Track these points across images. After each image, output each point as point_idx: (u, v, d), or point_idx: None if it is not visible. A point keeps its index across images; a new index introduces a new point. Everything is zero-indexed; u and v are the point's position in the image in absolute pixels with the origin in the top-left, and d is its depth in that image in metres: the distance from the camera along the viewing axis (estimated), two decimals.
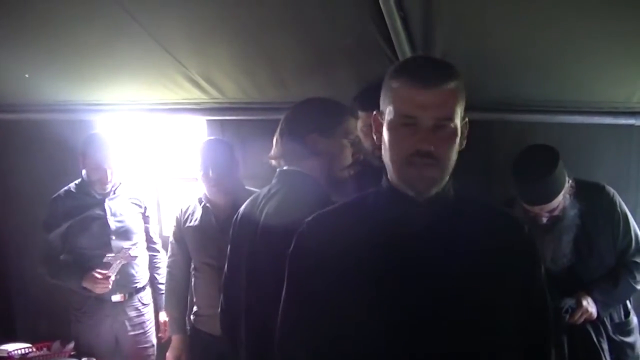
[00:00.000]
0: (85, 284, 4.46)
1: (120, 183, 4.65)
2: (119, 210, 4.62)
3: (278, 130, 2.95)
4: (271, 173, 2.95)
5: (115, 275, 4.46)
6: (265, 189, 2.94)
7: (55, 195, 4.66)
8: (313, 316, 2.02)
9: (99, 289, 4.45)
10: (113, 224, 4.57)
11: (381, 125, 2.00)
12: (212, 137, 4.25)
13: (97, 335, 4.60)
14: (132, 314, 4.66)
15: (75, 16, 3.62)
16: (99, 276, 4.41)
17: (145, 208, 4.75)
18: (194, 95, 4.26)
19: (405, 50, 3.16)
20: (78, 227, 4.55)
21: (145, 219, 4.77)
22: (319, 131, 2.83)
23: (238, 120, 4.45)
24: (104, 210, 4.57)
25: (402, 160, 1.92)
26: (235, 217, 3.07)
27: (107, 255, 4.44)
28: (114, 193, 4.63)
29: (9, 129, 5.44)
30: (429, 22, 3.03)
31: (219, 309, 3.17)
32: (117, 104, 4.75)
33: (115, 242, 4.55)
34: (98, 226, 4.56)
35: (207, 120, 4.66)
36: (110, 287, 4.46)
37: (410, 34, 3.10)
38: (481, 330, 1.95)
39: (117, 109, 4.80)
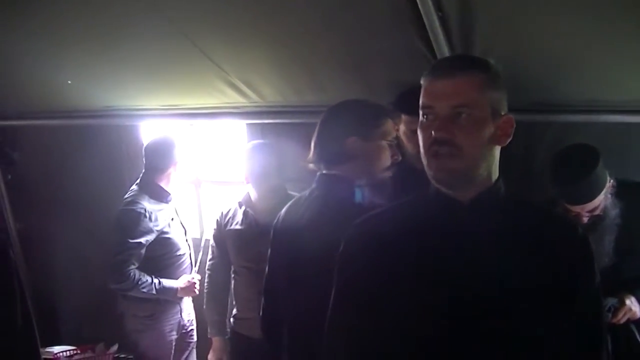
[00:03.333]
0: (182, 287, 4.52)
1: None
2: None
3: (315, 133, 2.93)
4: (311, 177, 2.95)
5: None
6: (305, 193, 2.93)
7: (133, 209, 4.50)
8: (362, 320, 2.00)
9: (193, 293, 4.57)
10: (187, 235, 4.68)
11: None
12: (255, 141, 4.24)
13: (164, 337, 4.58)
14: (188, 309, 4.71)
15: (118, 24, 3.69)
16: (191, 281, 4.52)
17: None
18: (234, 99, 4.26)
19: (444, 52, 3.12)
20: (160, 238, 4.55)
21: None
22: (358, 134, 2.81)
23: (277, 124, 4.43)
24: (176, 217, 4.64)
25: (426, 151, 1.91)
26: (275, 220, 3.06)
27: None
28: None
29: (54, 134, 5.51)
30: (468, 23, 2.99)
31: (260, 313, 3.15)
32: (160, 109, 4.77)
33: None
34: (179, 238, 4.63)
35: (247, 124, 4.67)
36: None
37: (449, 35, 3.06)
38: (531, 335, 1.90)
39: (160, 114, 4.83)
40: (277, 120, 4.39)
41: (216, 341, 4.35)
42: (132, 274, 4.29)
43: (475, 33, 3.05)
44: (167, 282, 4.42)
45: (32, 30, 3.95)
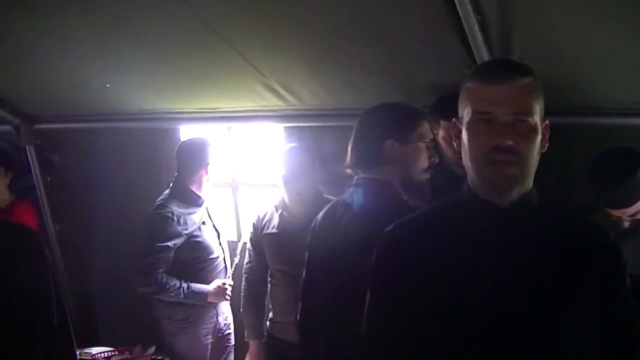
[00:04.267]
0: (212, 290, 4.55)
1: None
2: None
3: (352, 137, 2.95)
4: (347, 180, 2.96)
5: None
6: (343, 197, 2.95)
7: (162, 212, 4.55)
8: (398, 325, 2.01)
9: (224, 298, 4.60)
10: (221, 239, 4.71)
11: (460, 131, 1.98)
12: (291, 144, 4.26)
13: (200, 340, 4.60)
14: (225, 312, 4.72)
15: (156, 28, 3.73)
16: (222, 285, 4.55)
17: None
18: (272, 102, 4.28)
19: (482, 54, 3.11)
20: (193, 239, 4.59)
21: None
22: (394, 137, 2.82)
23: (315, 127, 4.46)
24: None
25: (482, 158, 1.89)
26: (312, 224, 3.08)
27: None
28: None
29: (93, 137, 5.57)
30: (507, 26, 2.98)
31: (297, 316, 3.18)
32: (198, 112, 4.82)
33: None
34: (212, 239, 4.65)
35: (285, 127, 4.69)
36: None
37: (488, 38, 3.06)
38: (562, 342, 1.91)
39: (198, 117, 4.87)
40: (313, 124, 4.42)
41: (253, 345, 4.36)
42: (159, 277, 4.35)
43: (513, 36, 3.04)
44: (196, 287, 4.45)
45: (71, 34, 4.01)
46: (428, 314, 1.94)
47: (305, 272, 3.08)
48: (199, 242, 4.52)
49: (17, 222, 4.12)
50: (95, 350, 4.94)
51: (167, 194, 4.55)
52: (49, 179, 5.85)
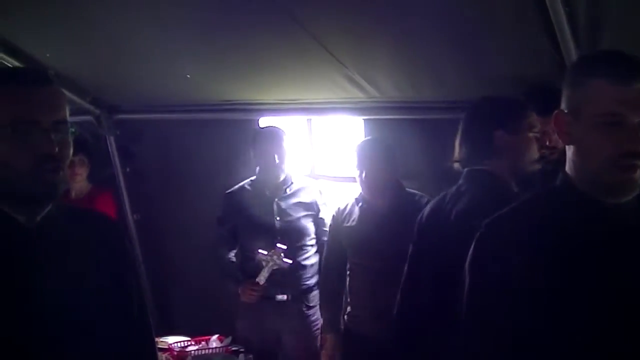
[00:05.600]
0: (240, 291, 4.60)
1: (291, 183, 4.67)
2: (287, 210, 4.63)
3: (460, 130, 2.97)
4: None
5: (277, 276, 4.50)
6: (452, 190, 2.96)
7: (229, 190, 4.77)
8: (498, 317, 1.97)
9: (246, 298, 4.56)
10: (278, 224, 4.60)
11: (568, 124, 1.93)
12: (369, 137, 4.28)
13: (260, 332, 4.65)
14: (296, 314, 4.64)
15: (236, 19, 3.77)
16: (250, 287, 4.53)
17: (319, 211, 4.71)
18: (353, 94, 4.30)
19: (569, 48, 3.08)
20: (245, 225, 4.66)
21: (318, 221, 4.70)
22: (504, 128, 2.84)
23: (395, 120, 4.46)
24: (272, 209, 4.63)
25: (609, 162, 1.84)
26: (419, 218, 3.10)
27: (259, 251, 4.49)
28: (285, 193, 4.65)
29: (172, 127, 5.67)
30: (595, 18, 2.97)
31: (396, 311, 3.20)
32: (278, 103, 4.87)
33: (280, 243, 4.54)
34: (264, 226, 4.61)
35: (364, 119, 4.71)
36: (255, 298, 4.54)
37: (576, 31, 3.03)
38: None
39: (278, 108, 4.92)
40: (395, 116, 4.42)
41: (329, 338, 4.39)
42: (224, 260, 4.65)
43: (602, 29, 3.03)
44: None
45: (153, 25, 4.11)
46: (529, 312, 1.90)
47: (408, 267, 3.09)
48: (256, 231, 4.67)
49: (99, 210, 4.22)
50: (171, 339, 4.98)
51: (246, 182, 4.76)
52: (128, 169, 5.97)
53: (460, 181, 2.92)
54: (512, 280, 1.92)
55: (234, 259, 4.73)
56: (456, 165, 2.98)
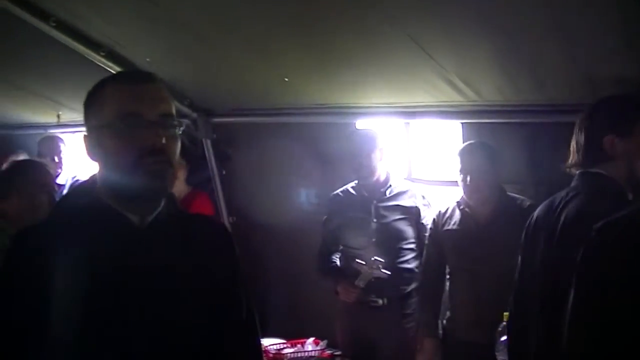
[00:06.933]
0: (338, 289, 4.69)
1: (390, 185, 4.75)
2: (385, 213, 4.70)
3: (574, 134, 2.96)
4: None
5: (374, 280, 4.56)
6: (562, 193, 2.95)
7: (334, 192, 4.94)
8: (604, 330, 1.95)
9: (344, 297, 4.66)
10: (375, 226, 4.68)
11: None
12: (473, 141, 4.28)
13: (355, 336, 4.74)
14: (392, 320, 4.68)
15: (333, 22, 3.81)
16: (349, 287, 4.62)
17: (419, 215, 4.74)
18: (451, 97, 4.29)
19: None
20: (345, 226, 4.77)
21: (419, 226, 4.72)
22: (615, 132, 2.82)
23: (494, 124, 4.44)
24: (370, 212, 4.71)
25: None
26: (527, 223, 3.09)
27: (357, 261, 4.56)
28: (384, 195, 4.74)
29: (268, 131, 5.74)
30: None
31: (509, 316, 3.20)
32: (375, 106, 4.88)
33: (376, 245, 4.63)
34: (362, 227, 4.70)
35: (462, 123, 4.70)
36: (354, 298, 4.64)
37: None
38: None
39: (375, 111, 4.94)
40: (495, 120, 4.40)
41: (427, 342, 4.38)
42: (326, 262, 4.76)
43: None
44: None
45: (250, 29, 4.16)
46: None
47: (519, 273, 3.08)
48: (355, 233, 4.80)
49: (208, 215, 4.32)
50: (267, 342, 5.05)
51: (350, 185, 4.89)
52: (224, 171, 6.10)
53: (573, 184, 2.91)
54: (623, 285, 1.90)
55: (335, 261, 4.80)
56: (572, 170, 2.97)
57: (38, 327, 1.91)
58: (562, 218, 2.83)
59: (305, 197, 5.62)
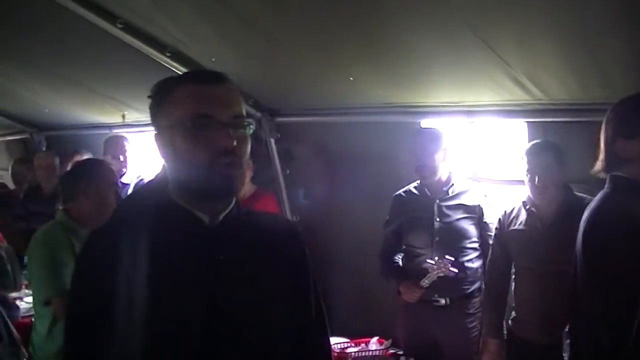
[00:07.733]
0: (401, 289, 4.73)
1: (453, 184, 4.77)
2: (448, 212, 4.72)
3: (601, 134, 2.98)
4: (595, 177, 2.98)
5: (438, 280, 4.57)
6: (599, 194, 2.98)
7: (397, 193, 4.97)
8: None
9: (407, 297, 4.68)
10: (438, 226, 4.70)
11: None
12: (540, 140, 4.25)
13: (419, 336, 4.77)
14: (455, 319, 4.72)
15: (398, 19, 3.82)
16: (412, 286, 4.64)
17: (482, 214, 4.76)
18: (517, 96, 4.28)
19: None
20: (408, 225, 4.82)
21: (482, 225, 4.75)
22: (623, 134, 2.86)
23: (561, 123, 4.41)
24: (432, 211, 4.73)
25: None
26: (582, 224, 3.11)
27: (427, 260, 4.57)
28: (447, 194, 4.75)
29: (333, 130, 5.80)
30: None
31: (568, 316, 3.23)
32: (440, 105, 4.89)
33: (439, 245, 4.65)
34: (424, 226, 4.74)
35: (527, 122, 4.68)
36: (417, 297, 4.66)
37: None
38: None
39: (439, 111, 4.95)
40: (562, 119, 4.37)
41: (492, 343, 4.40)
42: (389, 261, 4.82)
43: None
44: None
45: (312, 26, 4.22)
46: None
47: (572, 275, 3.10)
48: (417, 232, 4.86)
49: (282, 216, 4.37)
50: (331, 340, 5.06)
51: (412, 184, 4.92)
52: (288, 171, 6.17)
53: (605, 186, 2.94)
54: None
55: (398, 261, 4.84)
56: (601, 174, 3.01)
57: (112, 325, 1.95)
58: (591, 220, 2.88)
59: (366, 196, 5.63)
